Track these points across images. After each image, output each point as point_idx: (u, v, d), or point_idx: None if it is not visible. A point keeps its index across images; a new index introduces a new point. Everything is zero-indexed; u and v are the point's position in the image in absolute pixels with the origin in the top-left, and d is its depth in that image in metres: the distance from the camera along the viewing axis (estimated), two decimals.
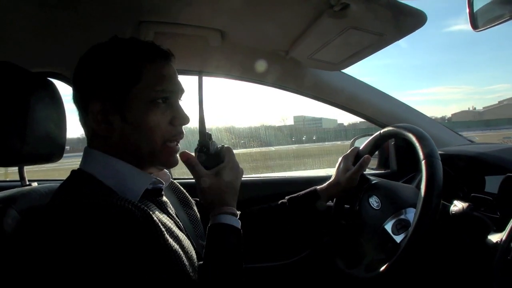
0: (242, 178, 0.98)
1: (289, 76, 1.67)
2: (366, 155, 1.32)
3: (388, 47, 1.26)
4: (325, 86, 1.71)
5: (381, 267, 1.05)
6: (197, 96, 1.00)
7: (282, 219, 1.29)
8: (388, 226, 1.16)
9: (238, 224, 0.91)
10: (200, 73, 0.98)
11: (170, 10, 1.21)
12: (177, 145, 0.93)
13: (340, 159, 1.36)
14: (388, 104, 1.78)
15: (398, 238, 1.11)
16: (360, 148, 1.38)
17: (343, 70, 1.63)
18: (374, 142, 1.35)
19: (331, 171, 1.39)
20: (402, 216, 1.16)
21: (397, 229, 1.14)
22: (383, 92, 1.77)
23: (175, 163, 0.94)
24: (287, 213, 1.29)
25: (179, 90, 0.93)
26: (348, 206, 1.35)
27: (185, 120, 0.92)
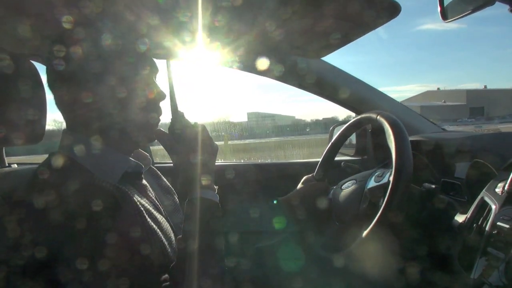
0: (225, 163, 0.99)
1: (268, 63, 1.69)
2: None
3: (363, 43, 1.31)
4: (303, 73, 1.74)
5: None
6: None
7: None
8: (371, 184, 1.22)
9: (215, 197, 0.91)
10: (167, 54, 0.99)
11: None
12: (155, 120, 0.94)
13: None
14: (364, 91, 1.83)
15: (384, 179, 1.17)
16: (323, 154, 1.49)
17: (322, 58, 1.67)
18: (345, 133, 1.44)
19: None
20: (377, 172, 1.24)
21: (379, 176, 1.20)
22: (361, 80, 1.82)
23: (152, 137, 0.95)
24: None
25: (153, 68, 0.95)
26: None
27: (161, 96, 0.94)
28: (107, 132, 0.89)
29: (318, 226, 1.38)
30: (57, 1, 1.13)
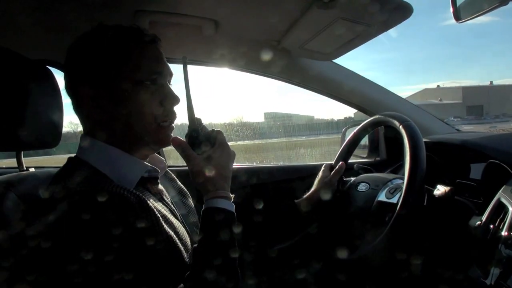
0: (239, 166, 0.99)
1: (281, 65, 1.69)
2: (341, 162, 1.40)
3: (383, 40, 1.31)
4: (316, 76, 1.74)
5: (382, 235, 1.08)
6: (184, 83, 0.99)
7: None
8: (382, 197, 1.21)
9: (231, 207, 0.90)
10: (184, 58, 0.98)
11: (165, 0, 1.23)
12: (170, 124, 0.94)
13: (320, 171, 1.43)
14: (377, 93, 1.82)
15: (394, 199, 1.16)
16: (336, 155, 1.46)
17: (334, 60, 1.67)
18: (358, 134, 1.43)
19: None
20: (391, 185, 1.22)
21: (391, 193, 1.19)
22: (373, 82, 1.81)
23: (168, 142, 0.94)
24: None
25: (167, 72, 0.94)
26: (339, 194, 1.39)
27: (175, 100, 0.93)
28: (123, 137, 0.90)
29: (332, 227, 1.38)
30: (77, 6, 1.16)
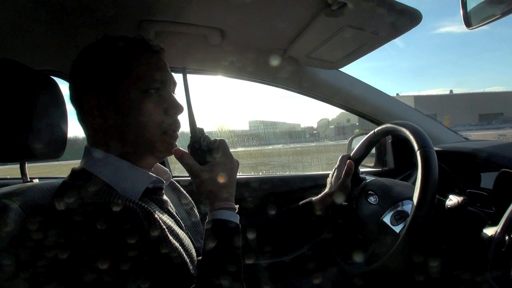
0: (243, 176, 0.98)
1: (287, 74, 1.68)
2: (349, 161, 1.35)
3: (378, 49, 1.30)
4: (322, 85, 1.72)
5: (381, 258, 1.07)
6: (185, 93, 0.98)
7: (277, 231, 1.30)
8: (387, 219, 1.18)
9: (236, 218, 0.90)
10: (184, 69, 0.98)
11: (170, 9, 1.22)
12: (174, 133, 0.94)
13: (333, 169, 1.39)
14: (385, 102, 1.80)
15: (397, 229, 1.13)
16: (351, 154, 1.40)
17: (340, 69, 1.66)
18: (368, 141, 1.38)
19: None
20: (400, 208, 1.19)
21: (396, 219, 1.16)
22: (380, 91, 1.79)
23: (171, 151, 0.94)
24: (282, 225, 1.31)
25: (170, 81, 0.95)
26: (346, 203, 1.37)
27: (178, 109, 0.93)
28: (128, 146, 0.90)
29: (341, 237, 1.36)
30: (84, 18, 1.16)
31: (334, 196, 1.30)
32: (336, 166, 1.39)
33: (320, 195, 1.34)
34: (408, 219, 1.03)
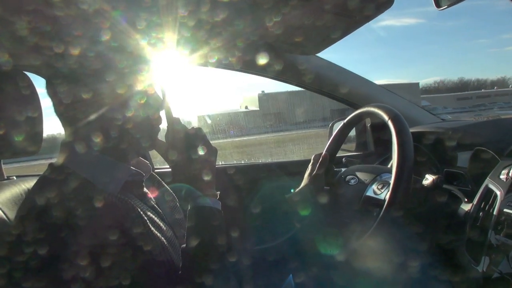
0: (228, 165, 0.97)
1: (264, 61, 1.67)
2: (324, 154, 1.39)
3: None
4: (299, 71, 1.72)
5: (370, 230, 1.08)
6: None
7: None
8: (370, 192, 1.21)
9: (217, 204, 0.90)
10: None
11: None
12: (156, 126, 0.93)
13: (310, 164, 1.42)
14: (362, 85, 1.81)
15: (382, 195, 1.16)
16: (325, 150, 1.44)
17: (317, 54, 1.66)
18: (340, 132, 1.43)
19: None
20: (380, 179, 1.23)
21: (379, 189, 1.19)
22: (357, 74, 1.80)
23: (153, 145, 0.94)
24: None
25: (151, 74, 0.92)
26: (328, 187, 1.39)
27: (160, 104, 0.92)
28: (106, 140, 0.87)
29: (323, 220, 1.37)
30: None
31: (309, 187, 1.34)
32: (310, 164, 1.42)
33: (296, 191, 1.37)
34: (392, 179, 1.05)
